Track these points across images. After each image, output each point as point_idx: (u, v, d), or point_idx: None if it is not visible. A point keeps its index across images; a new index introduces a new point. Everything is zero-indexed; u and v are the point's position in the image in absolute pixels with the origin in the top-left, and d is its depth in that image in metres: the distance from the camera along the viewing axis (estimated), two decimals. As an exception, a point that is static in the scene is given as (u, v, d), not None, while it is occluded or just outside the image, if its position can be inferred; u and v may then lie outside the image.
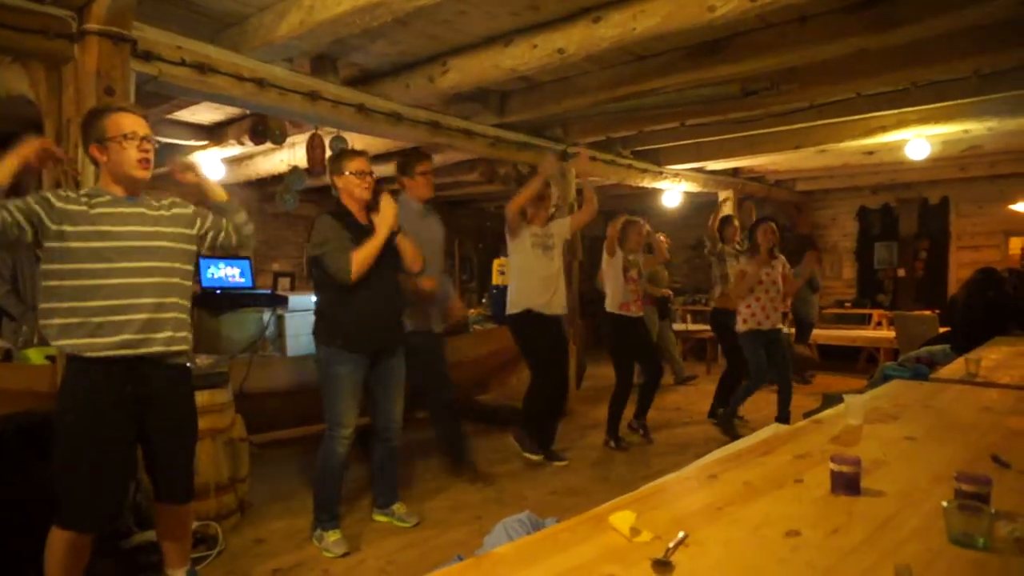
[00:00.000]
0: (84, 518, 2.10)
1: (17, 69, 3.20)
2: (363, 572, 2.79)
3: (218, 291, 4.17)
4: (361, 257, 2.86)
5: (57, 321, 2.05)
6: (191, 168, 2.36)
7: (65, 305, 2.04)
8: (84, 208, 2.07)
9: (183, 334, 2.23)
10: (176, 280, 2.21)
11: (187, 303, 2.27)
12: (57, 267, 2.05)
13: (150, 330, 2.12)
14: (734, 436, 4.84)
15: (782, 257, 4.98)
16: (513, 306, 4.19)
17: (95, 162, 2.17)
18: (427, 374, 3.67)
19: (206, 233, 2.35)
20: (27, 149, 2.06)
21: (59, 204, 2.04)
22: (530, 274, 4.16)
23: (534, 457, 4.14)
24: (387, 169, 6.86)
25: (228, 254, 2.59)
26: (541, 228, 4.25)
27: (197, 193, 2.40)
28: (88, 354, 2.04)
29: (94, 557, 2.57)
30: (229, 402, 3.25)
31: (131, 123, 2.13)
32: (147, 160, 2.15)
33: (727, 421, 4.99)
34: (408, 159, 3.78)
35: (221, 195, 2.42)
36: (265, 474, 3.94)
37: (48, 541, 2.10)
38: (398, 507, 3.30)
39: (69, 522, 2.08)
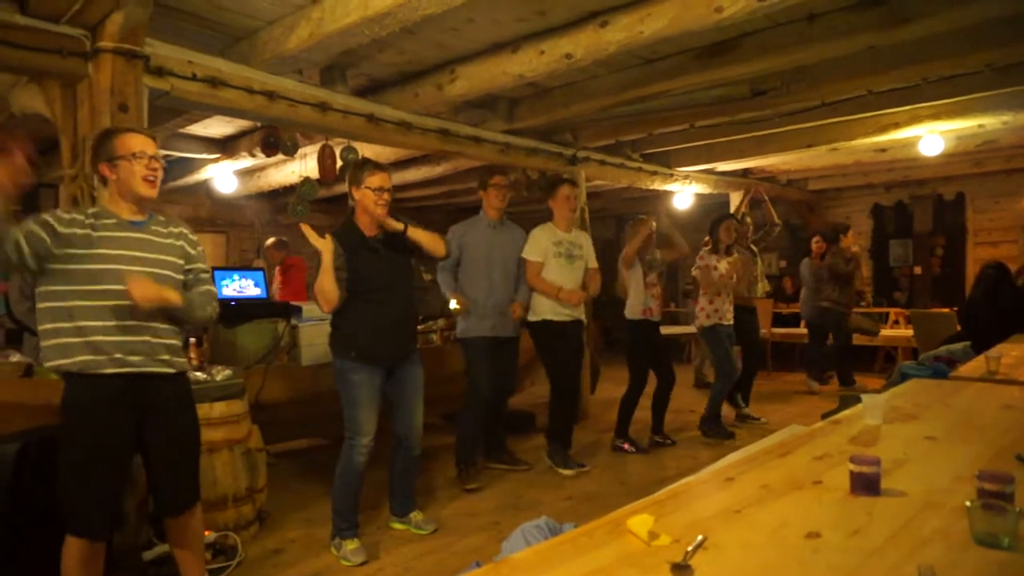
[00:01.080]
0: (89, 526, 2.13)
1: (33, 88, 3.26)
2: (381, 580, 2.80)
3: (233, 303, 4.20)
4: (320, 289, 2.85)
5: (53, 342, 2.10)
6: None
7: (62, 325, 2.08)
8: (87, 232, 2.11)
9: (181, 359, 2.30)
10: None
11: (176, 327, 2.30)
12: (55, 289, 2.09)
13: (147, 353, 2.16)
14: (728, 436, 4.82)
15: (735, 254, 5.09)
16: (534, 313, 4.16)
17: (104, 180, 2.22)
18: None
19: (187, 279, 2.34)
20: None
21: (62, 229, 2.07)
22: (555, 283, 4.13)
23: (567, 472, 4.11)
24: (395, 178, 6.92)
25: None
26: (566, 233, 4.19)
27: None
28: (86, 371, 2.09)
29: (116, 569, 2.61)
30: (245, 413, 3.26)
31: (140, 143, 2.19)
32: (153, 178, 2.20)
33: (714, 426, 4.92)
34: (483, 174, 4.13)
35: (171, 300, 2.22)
36: (282, 484, 3.96)
37: (63, 550, 2.14)
38: (415, 515, 3.30)
39: (77, 530, 2.13)
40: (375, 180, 2.95)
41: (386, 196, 2.97)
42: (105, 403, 2.11)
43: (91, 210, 2.20)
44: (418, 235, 3.05)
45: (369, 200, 2.94)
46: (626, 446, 4.62)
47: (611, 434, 4.81)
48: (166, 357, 2.22)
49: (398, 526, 3.31)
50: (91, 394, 2.11)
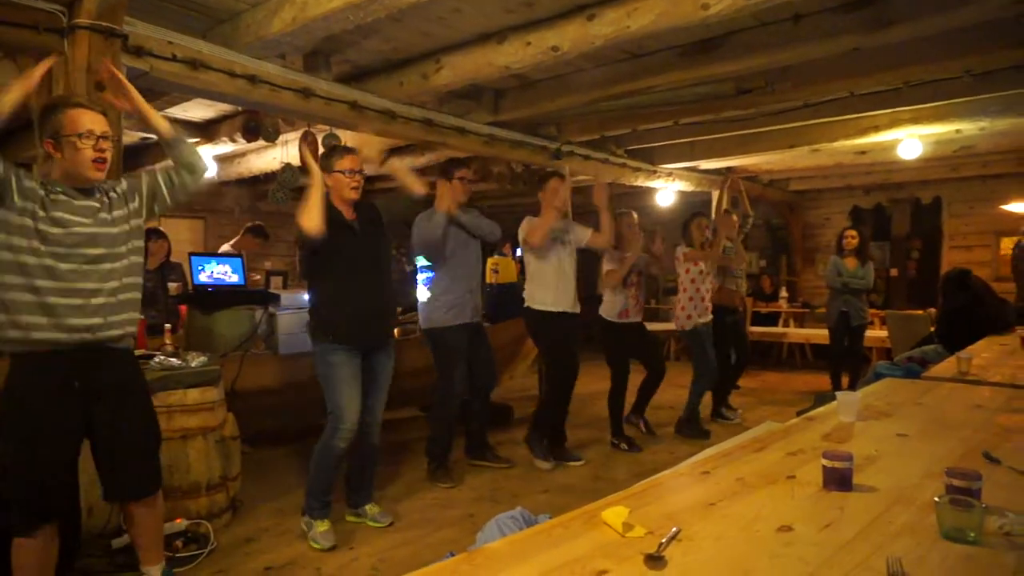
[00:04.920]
0: (34, 516, 2.03)
1: (7, 64, 3.17)
2: (355, 570, 2.78)
3: (210, 289, 4.15)
4: (303, 211, 2.84)
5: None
6: (123, 90, 2.26)
7: (6, 297, 1.99)
8: (63, 198, 2.05)
9: (127, 315, 2.17)
10: (123, 263, 2.16)
11: (137, 280, 2.22)
12: (4, 256, 2.00)
13: (94, 315, 2.06)
14: (704, 435, 4.86)
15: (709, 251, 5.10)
16: (532, 301, 4.18)
17: (49, 156, 2.11)
18: (471, 360, 3.94)
19: (153, 194, 2.27)
20: (31, 79, 2.04)
21: (28, 183, 2.01)
22: (548, 271, 4.13)
23: (545, 465, 4.13)
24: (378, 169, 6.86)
25: (187, 197, 2.44)
26: (559, 222, 4.23)
27: (138, 119, 2.32)
28: (28, 346, 2.00)
29: (84, 556, 2.57)
30: (220, 400, 3.23)
31: (88, 120, 2.06)
32: (102, 159, 2.09)
33: (692, 426, 4.94)
34: (448, 164, 3.98)
35: (163, 126, 2.29)
36: (256, 473, 3.92)
37: (13, 553, 2.04)
38: (371, 507, 3.28)
39: (23, 526, 2.02)
40: (345, 163, 3.00)
41: (358, 177, 3.01)
42: (48, 379, 2.02)
43: (40, 179, 2.10)
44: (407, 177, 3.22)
45: (342, 183, 2.99)
46: (623, 445, 4.58)
47: (587, 428, 4.84)
48: (112, 320, 2.11)
49: (352, 519, 3.27)
50: (34, 369, 2.02)
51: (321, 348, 2.99)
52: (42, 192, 2.05)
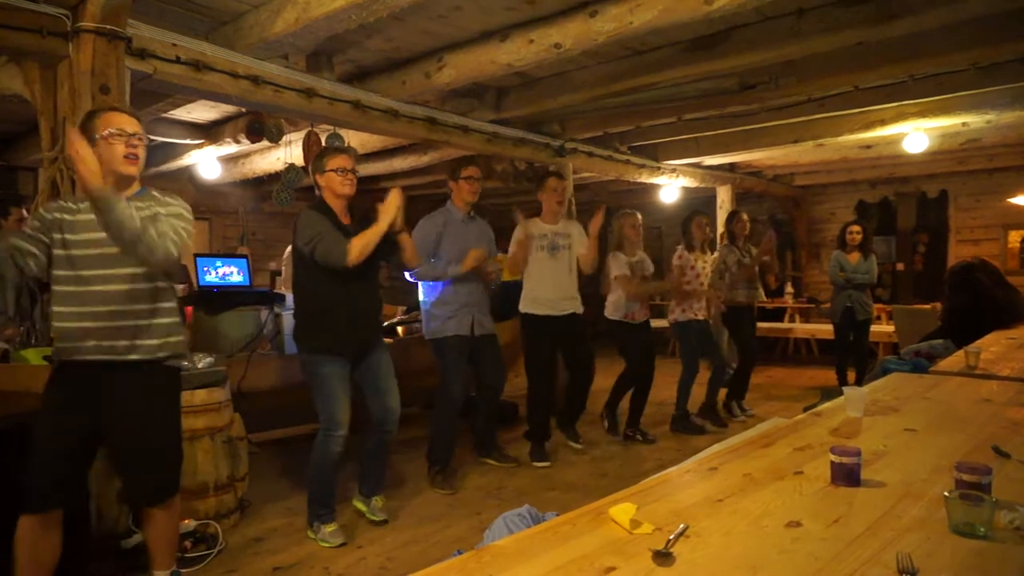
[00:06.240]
0: (34, 499, 2.11)
1: (11, 68, 3.19)
2: (363, 569, 2.79)
3: (215, 290, 4.16)
4: (361, 243, 2.83)
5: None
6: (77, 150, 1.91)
7: (53, 310, 2.14)
8: (69, 217, 2.14)
9: (157, 340, 2.20)
10: (150, 284, 2.19)
11: (167, 304, 2.24)
12: (53, 273, 2.15)
13: (118, 336, 2.14)
14: (697, 431, 4.87)
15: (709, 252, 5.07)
16: (522, 305, 4.25)
17: None
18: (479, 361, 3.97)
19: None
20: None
21: (49, 216, 2.12)
22: (536, 276, 4.19)
23: (542, 465, 4.15)
24: (381, 167, 6.87)
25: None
26: (552, 225, 4.23)
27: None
28: (59, 358, 2.13)
29: (94, 558, 2.58)
30: (227, 401, 3.24)
31: (119, 120, 2.18)
32: (134, 155, 2.19)
33: (684, 422, 4.94)
34: (455, 164, 3.98)
35: (92, 188, 1.92)
36: (264, 473, 3.94)
37: (17, 528, 2.11)
38: (377, 500, 3.28)
39: (26, 504, 2.10)
40: (336, 162, 2.98)
41: (351, 176, 2.99)
42: (67, 384, 2.13)
43: (70, 198, 2.25)
44: (406, 242, 3.08)
45: (335, 182, 2.96)
46: (638, 436, 4.69)
47: (594, 426, 4.83)
48: (141, 342, 2.16)
49: (360, 506, 3.30)
50: (58, 376, 2.14)
51: (308, 356, 2.97)
52: (68, 215, 2.16)
